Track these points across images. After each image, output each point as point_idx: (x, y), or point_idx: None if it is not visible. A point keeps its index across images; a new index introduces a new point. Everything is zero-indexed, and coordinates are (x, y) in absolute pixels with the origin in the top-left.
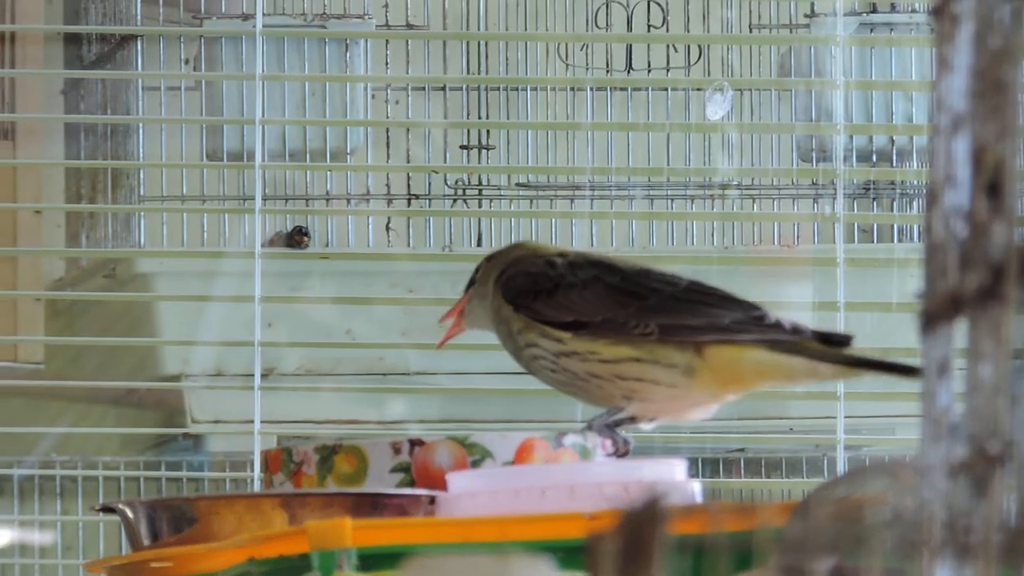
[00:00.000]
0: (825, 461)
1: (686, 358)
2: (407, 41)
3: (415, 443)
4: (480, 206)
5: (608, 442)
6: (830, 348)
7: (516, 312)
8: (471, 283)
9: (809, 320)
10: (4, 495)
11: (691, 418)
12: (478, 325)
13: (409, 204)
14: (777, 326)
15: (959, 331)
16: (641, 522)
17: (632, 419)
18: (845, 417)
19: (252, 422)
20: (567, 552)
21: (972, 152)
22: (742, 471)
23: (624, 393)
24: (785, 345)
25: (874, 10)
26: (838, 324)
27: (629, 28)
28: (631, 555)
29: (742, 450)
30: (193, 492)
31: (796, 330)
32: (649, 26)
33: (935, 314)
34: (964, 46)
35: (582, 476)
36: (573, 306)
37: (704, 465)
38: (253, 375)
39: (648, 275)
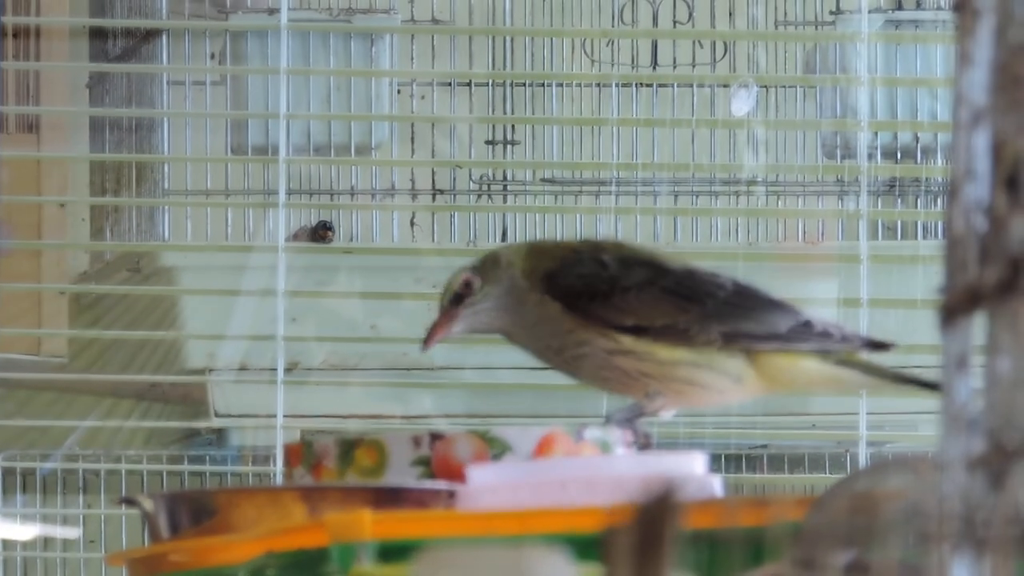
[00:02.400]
0: (847, 457)
1: (738, 365)
2: (433, 36)
3: (435, 436)
4: (505, 201)
5: (629, 435)
6: (876, 365)
7: (568, 313)
8: (458, 296)
9: (833, 316)
10: (29, 489)
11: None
12: (477, 328)
13: (434, 199)
14: (827, 335)
15: (978, 325)
16: (653, 515)
17: (654, 412)
18: (867, 413)
19: (275, 416)
20: (584, 545)
21: (992, 146)
22: (765, 467)
23: (670, 393)
24: (837, 356)
25: (900, 7)
26: (861, 320)
27: (655, 24)
28: (644, 548)
29: (765, 446)
30: (215, 486)
31: (845, 339)
32: (675, 22)
33: (954, 308)
34: (984, 40)
35: (602, 470)
36: (632, 310)
37: (727, 461)
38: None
39: (695, 276)
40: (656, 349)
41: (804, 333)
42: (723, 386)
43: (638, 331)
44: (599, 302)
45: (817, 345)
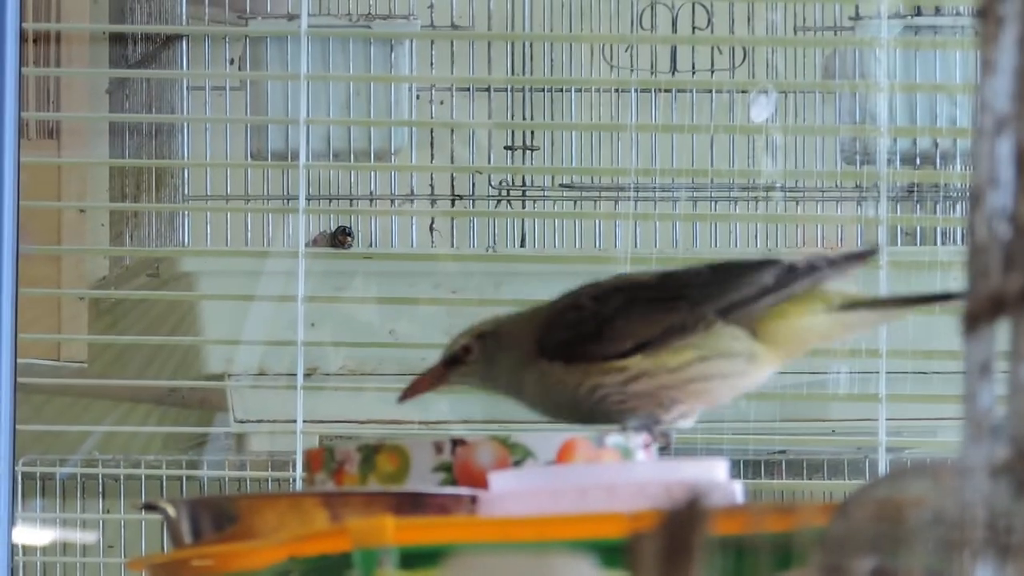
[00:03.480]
0: (867, 463)
1: (744, 342)
2: (452, 41)
3: (457, 442)
4: (524, 207)
5: (650, 439)
6: (879, 297)
7: (570, 365)
8: (453, 359)
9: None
10: (48, 494)
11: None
12: (470, 384)
13: (453, 205)
14: (815, 268)
15: (1001, 332)
16: (682, 522)
17: (672, 420)
18: (887, 419)
19: (294, 422)
20: (608, 552)
21: (1015, 153)
22: (784, 472)
23: (691, 397)
24: (840, 301)
25: (919, 13)
26: (881, 329)
27: (674, 30)
28: (672, 555)
29: (784, 452)
30: (235, 491)
31: (833, 264)
32: (694, 28)
33: (977, 315)
34: (1008, 48)
35: (624, 476)
36: (626, 333)
37: (746, 466)
38: (296, 375)
39: (669, 276)
40: (663, 359)
41: (793, 277)
42: (739, 369)
43: (640, 349)
44: (591, 342)
45: (810, 282)
